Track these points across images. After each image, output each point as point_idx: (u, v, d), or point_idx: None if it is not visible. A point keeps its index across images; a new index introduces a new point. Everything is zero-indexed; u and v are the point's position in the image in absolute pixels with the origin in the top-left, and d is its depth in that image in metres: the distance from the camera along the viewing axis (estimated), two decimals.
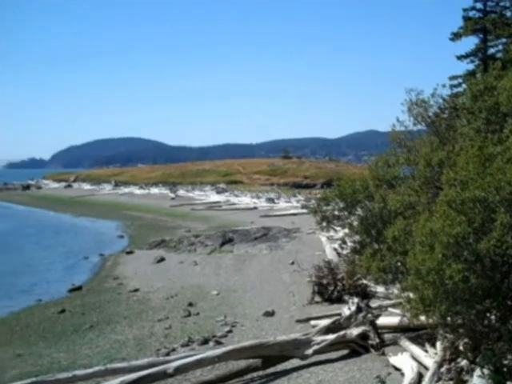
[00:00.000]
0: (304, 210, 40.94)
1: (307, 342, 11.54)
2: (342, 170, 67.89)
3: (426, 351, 10.58)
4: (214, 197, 69.00)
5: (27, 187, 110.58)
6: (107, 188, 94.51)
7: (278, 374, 11.13)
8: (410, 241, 10.55)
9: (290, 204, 54.85)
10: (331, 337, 11.66)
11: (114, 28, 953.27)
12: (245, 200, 62.90)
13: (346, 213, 13.38)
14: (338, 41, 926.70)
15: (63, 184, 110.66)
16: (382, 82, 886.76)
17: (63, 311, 19.98)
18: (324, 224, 13.82)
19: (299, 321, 14.86)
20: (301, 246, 28.18)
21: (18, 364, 14.37)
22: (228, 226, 37.99)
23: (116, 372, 10.78)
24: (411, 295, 9.45)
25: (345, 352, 11.62)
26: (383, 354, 11.17)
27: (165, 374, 10.53)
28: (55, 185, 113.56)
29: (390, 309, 13.85)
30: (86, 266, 30.49)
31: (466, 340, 9.49)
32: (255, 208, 53.86)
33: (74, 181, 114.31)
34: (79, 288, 24.31)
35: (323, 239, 26.18)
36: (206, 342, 14.26)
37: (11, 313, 20.87)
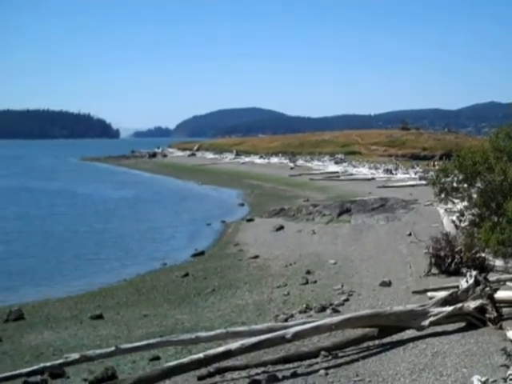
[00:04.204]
0: (422, 182, 40.31)
1: (424, 314, 11.52)
2: (461, 142, 65.64)
3: None
4: (333, 167, 68.98)
5: (153, 155, 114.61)
6: (229, 157, 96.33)
7: (394, 343, 11.17)
8: None
9: (407, 175, 54.00)
10: (448, 309, 11.58)
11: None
12: (362, 171, 62.55)
13: (465, 185, 13.23)
14: (466, 11, 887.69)
15: (187, 152, 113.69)
16: (505, 52, 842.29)
17: (186, 275, 20.75)
18: (442, 196, 13.74)
19: (416, 292, 14.79)
20: (418, 218, 27.81)
21: (145, 324, 15.06)
22: (346, 196, 37.99)
23: (237, 335, 11.05)
24: None
25: (461, 325, 11.51)
26: (501, 327, 11.04)
27: (283, 339, 10.73)
28: (180, 153, 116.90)
29: (509, 283, 13.58)
30: (208, 232, 31.65)
31: None
32: (373, 179, 53.55)
33: (198, 150, 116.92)
34: (202, 253, 25.27)
35: (441, 211, 25.71)
36: (323, 309, 14.38)
37: (138, 275, 22.06)
